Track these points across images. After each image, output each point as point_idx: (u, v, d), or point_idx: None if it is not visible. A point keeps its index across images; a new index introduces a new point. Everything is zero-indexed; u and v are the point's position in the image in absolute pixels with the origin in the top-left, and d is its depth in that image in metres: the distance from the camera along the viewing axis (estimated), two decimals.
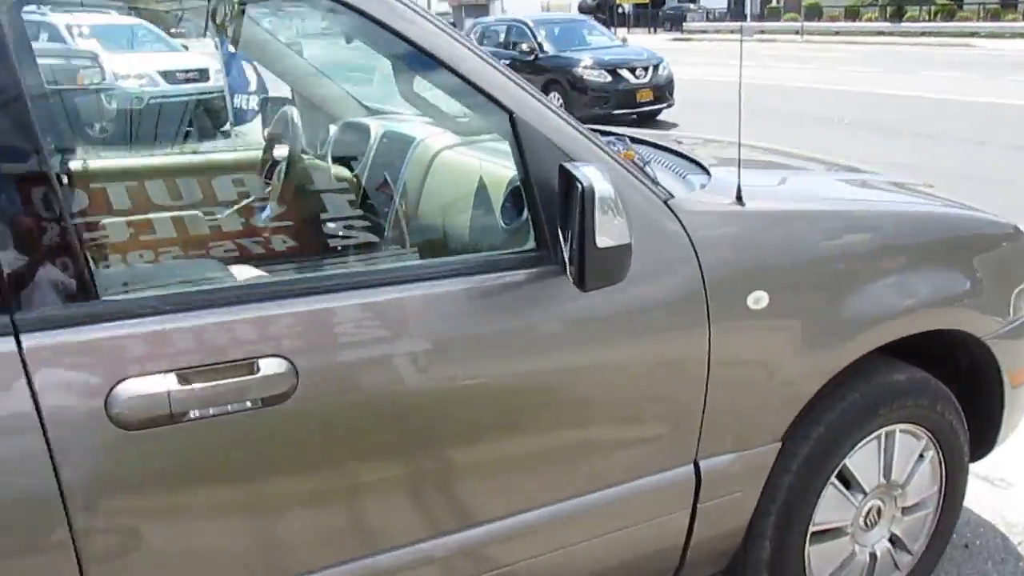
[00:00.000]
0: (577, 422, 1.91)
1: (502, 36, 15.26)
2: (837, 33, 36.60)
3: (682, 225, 1.93)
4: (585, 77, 13.27)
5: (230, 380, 1.51)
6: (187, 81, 12.50)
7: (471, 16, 78.91)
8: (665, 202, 1.94)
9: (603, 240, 1.59)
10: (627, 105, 13.13)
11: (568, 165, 1.64)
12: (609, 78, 13.21)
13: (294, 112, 2.94)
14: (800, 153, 3.27)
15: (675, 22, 48.65)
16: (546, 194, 1.74)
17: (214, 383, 1.50)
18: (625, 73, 13.29)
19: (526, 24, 14.77)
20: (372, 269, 1.93)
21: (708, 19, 49.61)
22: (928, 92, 15.71)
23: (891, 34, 34.45)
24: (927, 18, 36.57)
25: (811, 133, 11.77)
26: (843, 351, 2.17)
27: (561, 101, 12.98)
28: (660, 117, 13.87)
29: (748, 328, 2.02)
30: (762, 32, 38.81)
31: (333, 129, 3.28)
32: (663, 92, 13.56)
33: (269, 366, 1.54)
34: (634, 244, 1.77)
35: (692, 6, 52.08)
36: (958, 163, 9.36)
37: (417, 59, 1.73)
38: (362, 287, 1.67)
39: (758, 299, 2.00)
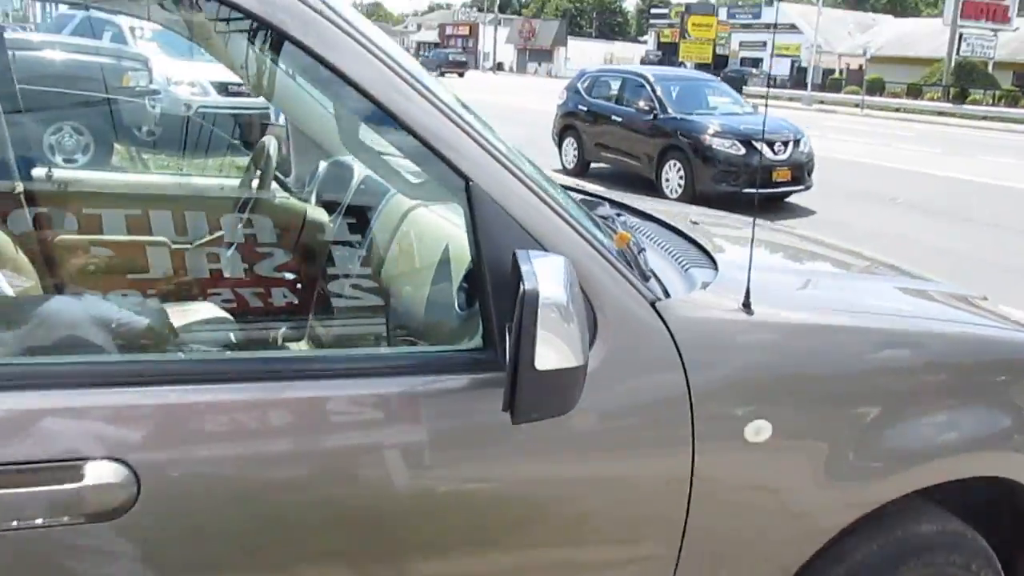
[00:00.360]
0: (509, 556, 1.56)
1: (614, 88, 13.41)
2: (898, 110, 36.08)
3: (670, 333, 1.58)
4: (714, 146, 11.08)
5: (43, 488, 1.18)
6: (238, 94, 12.44)
7: (534, 61, 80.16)
8: (653, 303, 1.59)
9: (544, 360, 1.23)
10: (760, 184, 11.26)
11: (520, 254, 1.30)
12: (742, 150, 11.01)
13: (272, 143, 2.63)
14: (844, 247, 2.87)
15: (735, 84, 48.35)
16: (500, 283, 1.39)
17: (19, 489, 1.17)
18: (762, 146, 11.07)
19: (645, 78, 12.70)
20: (276, 357, 1.58)
21: (769, 84, 49.27)
22: (986, 177, 15.21)
23: (952, 115, 33.85)
24: (990, 102, 35.91)
25: (862, 210, 11.33)
26: (859, 502, 1.81)
27: (681, 171, 11.49)
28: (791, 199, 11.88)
29: (742, 465, 1.66)
30: (822, 102, 38.41)
31: (322, 166, 2.97)
32: (802, 172, 11.42)
33: (100, 472, 1.21)
34: (609, 351, 1.43)
35: (754, 70, 51.86)
36: (1011, 256, 8.90)
37: (355, 100, 1.40)
38: (253, 379, 1.33)
39: (759, 430, 1.64)
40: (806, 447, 1.73)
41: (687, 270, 1.91)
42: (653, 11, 77.46)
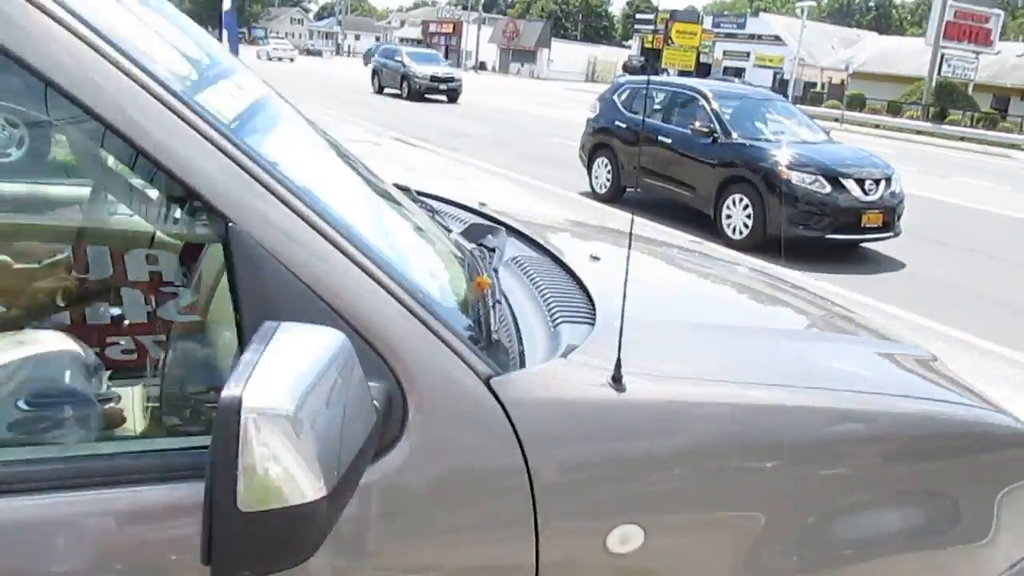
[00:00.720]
0: None
1: (659, 102, 11.01)
2: (877, 126, 35.94)
3: (508, 417, 1.22)
4: (793, 182, 8.98)
5: None
6: None
7: (517, 61, 79.77)
8: (487, 380, 1.23)
9: (250, 500, 0.85)
10: (846, 229, 9.06)
11: (267, 328, 0.93)
12: (828, 188, 8.97)
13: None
14: (799, 291, 2.47)
15: None
16: None
17: None
18: (850, 185, 9.07)
19: (701, 94, 10.44)
20: None
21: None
22: (958, 199, 15.01)
23: (931, 134, 33.79)
24: (969, 124, 35.89)
25: None
26: None
27: (748, 208, 9.36)
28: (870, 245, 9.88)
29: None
30: None
31: None
32: (892, 216, 9.41)
33: None
34: (420, 442, 1.09)
35: (736, 80, 51.80)
36: (983, 282, 8.66)
37: (62, 100, 1.04)
38: None
39: (625, 537, 1.29)
40: (683, 564, 1.38)
41: (556, 326, 1.55)
42: (638, 16, 77.29)
